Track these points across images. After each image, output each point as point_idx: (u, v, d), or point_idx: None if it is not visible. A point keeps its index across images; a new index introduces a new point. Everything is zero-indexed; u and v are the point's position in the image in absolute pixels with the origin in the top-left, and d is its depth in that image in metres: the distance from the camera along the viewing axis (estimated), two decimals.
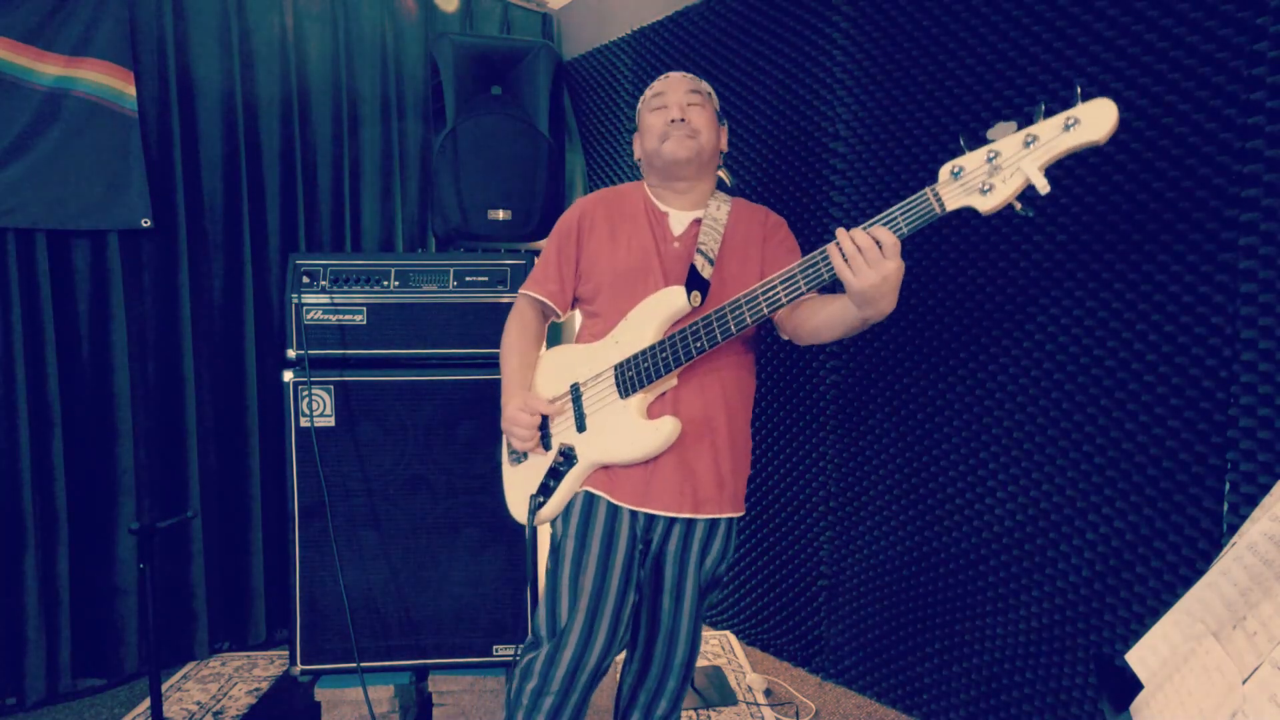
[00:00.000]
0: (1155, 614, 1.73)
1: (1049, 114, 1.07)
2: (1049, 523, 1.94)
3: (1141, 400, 1.76)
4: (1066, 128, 1.05)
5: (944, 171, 1.14)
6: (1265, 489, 1.54)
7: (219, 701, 2.38)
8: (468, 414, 2.17)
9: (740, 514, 1.60)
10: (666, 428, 1.43)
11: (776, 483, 2.64)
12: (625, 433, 1.44)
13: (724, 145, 1.63)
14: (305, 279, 2.13)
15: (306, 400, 2.12)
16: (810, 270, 1.28)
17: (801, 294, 1.30)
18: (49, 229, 2.34)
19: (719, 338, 1.39)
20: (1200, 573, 0.99)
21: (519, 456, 1.57)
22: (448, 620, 2.18)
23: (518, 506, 1.58)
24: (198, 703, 2.37)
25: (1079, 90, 1.06)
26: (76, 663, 2.43)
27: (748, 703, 2.37)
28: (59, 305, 2.39)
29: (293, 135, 2.83)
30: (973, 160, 1.10)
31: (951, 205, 1.15)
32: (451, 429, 2.16)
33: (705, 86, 1.61)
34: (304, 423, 2.12)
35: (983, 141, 1.10)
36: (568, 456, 1.48)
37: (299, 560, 2.13)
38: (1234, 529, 1.54)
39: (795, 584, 2.61)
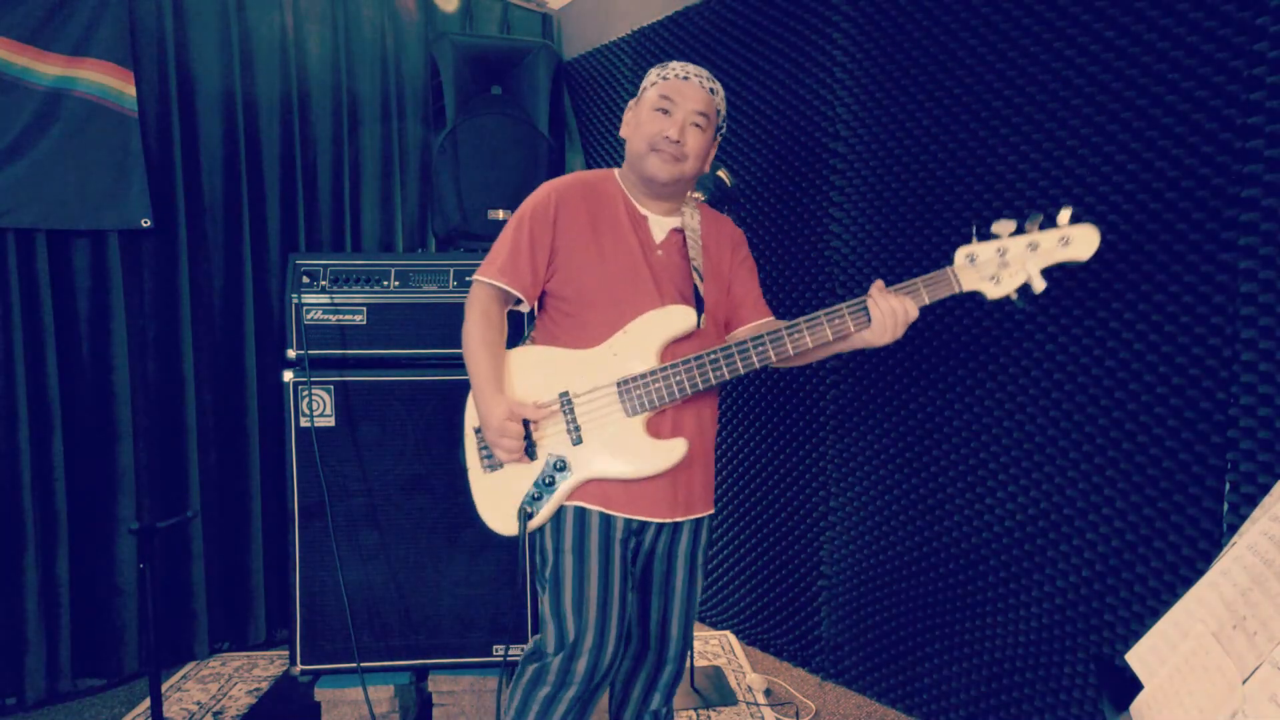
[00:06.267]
0: (1155, 614, 1.72)
1: (1044, 225, 1.28)
2: (1049, 523, 1.94)
3: (1141, 400, 1.76)
4: (1063, 243, 1.26)
5: (960, 256, 1.31)
6: (1265, 489, 1.54)
7: (219, 701, 2.38)
8: None
9: (711, 512, 1.63)
10: (680, 449, 1.43)
11: (777, 483, 2.64)
12: (635, 451, 1.43)
13: (707, 166, 1.54)
14: (305, 279, 2.13)
15: (306, 400, 2.11)
16: (837, 321, 1.38)
17: (827, 340, 1.40)
18: (49, 229, 2.34)
19: (741, 370, 1.41)
20: (1200, 573, 0.99)
21: (496, 464, 1.49)
22: (447, 620, 2.17)
23: (494, 514, 1.50)
24: (198, 703, 2.37)
25: (1069, 211, 1.27)
26: (76, 663, 2.43)
27: (748, 703, 2.37)
28: (59, 305, 2.39)
29: (293, 135, 2.82)
30: (985, 251, 1.28)
31: (968, 287, 1.33)
32: (451, 429, 2.15)
33: (719, 101, 1.51)
34: (304, 423, 2.11)
35: (988, 235, 1.30)
36: (561, 468, 1.45)
37: (299, 560, 2.13)
38: (1234, 529, 1.54)
39: (795, 584, 2.61)
